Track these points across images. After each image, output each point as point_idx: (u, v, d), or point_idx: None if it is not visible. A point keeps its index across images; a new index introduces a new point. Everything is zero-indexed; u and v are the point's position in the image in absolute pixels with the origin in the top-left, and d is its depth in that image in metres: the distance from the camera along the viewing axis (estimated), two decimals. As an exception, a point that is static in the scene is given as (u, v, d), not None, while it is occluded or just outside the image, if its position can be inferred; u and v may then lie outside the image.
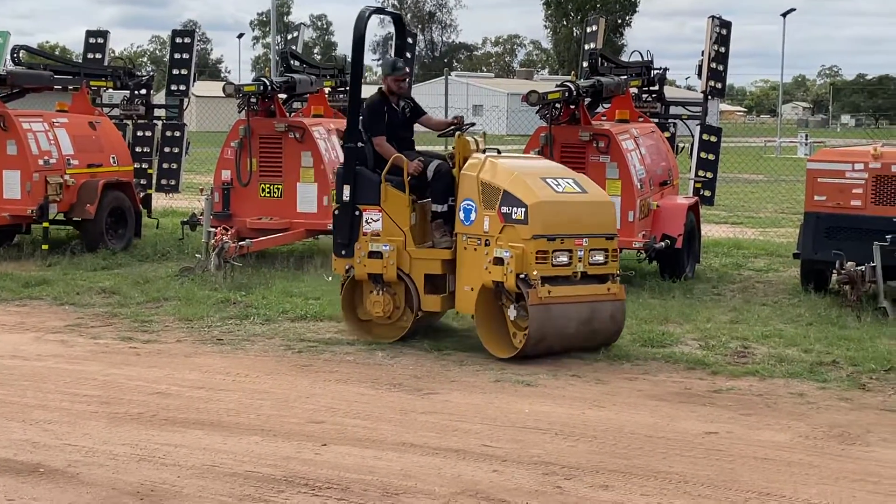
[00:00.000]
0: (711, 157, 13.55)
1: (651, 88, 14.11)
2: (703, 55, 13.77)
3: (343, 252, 9.30)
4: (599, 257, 8.68)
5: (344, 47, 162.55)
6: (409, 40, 15.13)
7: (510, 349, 8.58)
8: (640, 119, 13.30)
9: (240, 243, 11.92)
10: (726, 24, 13.70)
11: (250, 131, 12.93)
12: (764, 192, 24.76)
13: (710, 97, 13.81)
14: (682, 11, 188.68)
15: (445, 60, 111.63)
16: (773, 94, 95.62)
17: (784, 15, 41.46)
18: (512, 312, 8.50)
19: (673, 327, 9.74)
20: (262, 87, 12.95)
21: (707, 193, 13.78)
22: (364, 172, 9.24)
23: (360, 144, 9.26)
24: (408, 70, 10.21)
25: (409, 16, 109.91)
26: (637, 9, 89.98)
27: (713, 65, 13.57)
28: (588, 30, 15.33)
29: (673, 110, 14.63)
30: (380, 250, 9.05)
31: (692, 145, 13.63)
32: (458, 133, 9.26)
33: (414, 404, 7.38)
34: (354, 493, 5.62)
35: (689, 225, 12.17)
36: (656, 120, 13.80)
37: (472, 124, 9.76)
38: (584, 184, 8.99)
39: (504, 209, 8.56)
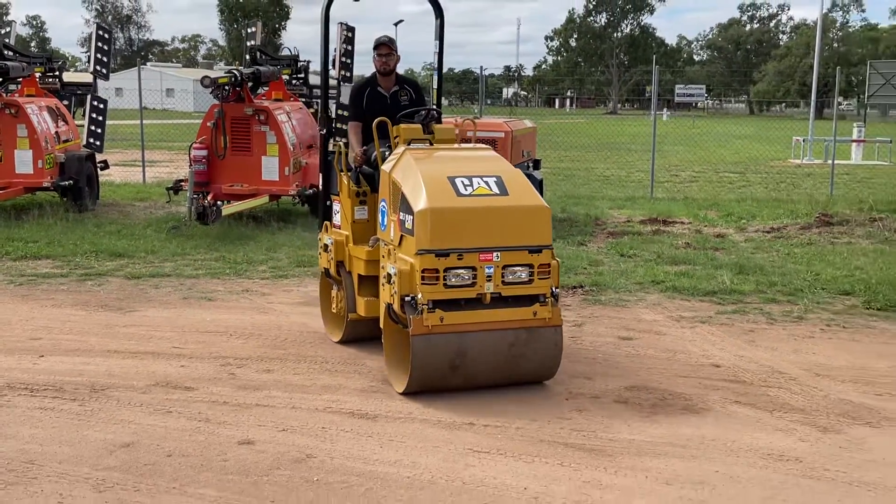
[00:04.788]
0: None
1: (298, 76, 13.98)
2: (335, 51, 13.74)
3: None
4: (522, 274, 5.27)
5: (56, 41, 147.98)
6: (106, 35, 14.03)
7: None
8: (292, 98, 13.17)
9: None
10: (351, 29, 13.71)
11: (-31, 110, 11.58)
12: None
13: (341, 83, 13.83)
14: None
15: (142, 54, 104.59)
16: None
17: (396, 24, 42.67)
18: None
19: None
20: (-22, 72, 11.61)
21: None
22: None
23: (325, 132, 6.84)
24: (390, 45, 6.60)
25: (109, 17, 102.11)
26: (289, 16, 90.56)
27: (343, 59, 13.58)
28: (250, 30, 14.86)
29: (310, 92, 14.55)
30: (326, 243, 6.51)
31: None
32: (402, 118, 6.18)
33: (117, 320, 6.97)
34: (67, 392, 5.26)
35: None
36: (304, 99, 13.72)
37: (431, 112, 6.18)
38: (510, 184, 5.39)
39: (401, 215, 5.36)
